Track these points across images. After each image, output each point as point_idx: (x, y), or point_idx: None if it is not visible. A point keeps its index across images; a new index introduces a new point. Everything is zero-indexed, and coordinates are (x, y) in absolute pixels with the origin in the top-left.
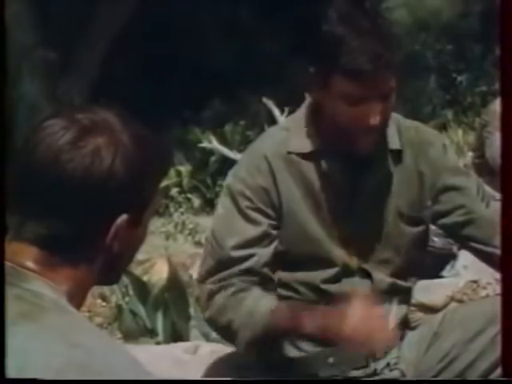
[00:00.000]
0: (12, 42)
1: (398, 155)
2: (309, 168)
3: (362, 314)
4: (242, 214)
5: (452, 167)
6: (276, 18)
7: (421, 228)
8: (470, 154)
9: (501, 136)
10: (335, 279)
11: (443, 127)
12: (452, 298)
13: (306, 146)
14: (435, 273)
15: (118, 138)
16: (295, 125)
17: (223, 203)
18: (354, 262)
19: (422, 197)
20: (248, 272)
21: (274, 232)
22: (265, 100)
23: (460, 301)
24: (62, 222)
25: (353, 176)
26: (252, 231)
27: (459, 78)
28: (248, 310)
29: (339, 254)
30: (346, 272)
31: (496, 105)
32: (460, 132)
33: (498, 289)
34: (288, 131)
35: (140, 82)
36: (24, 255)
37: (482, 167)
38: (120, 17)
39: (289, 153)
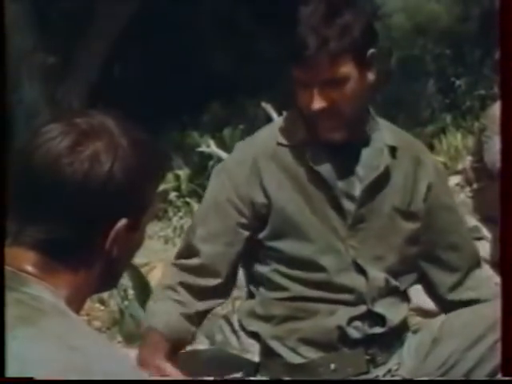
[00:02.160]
0: (11, 46)
1: (392, 152)
2: (296, 160)
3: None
4: (217, 207)
5: (445, 203)
6: (275, 22)
7: (415, 225)
8: (469, 158)
9: (501, 140)
10: (332, 272)
11: (442, 131)
12: None
13: (293, 137)
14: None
15: (117, 142)
16: (285, 119)
17: (207, 192)
18: (350, 255)
19: (416, 195)
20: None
21: (242, 231)
22: (263, 104)
23: None
24: (62, 226)
25: (342, 167)
26: (221, 224)
27: (458, 82)
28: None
29: (335, 247)
30: (342, 266)
31: (495, 109)
32: (459, 136)
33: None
34: (278, 125)
35: (139, 86)
36: (23, 259)
37: (480, 171)
38: (119, 21)
39: (278, 144)
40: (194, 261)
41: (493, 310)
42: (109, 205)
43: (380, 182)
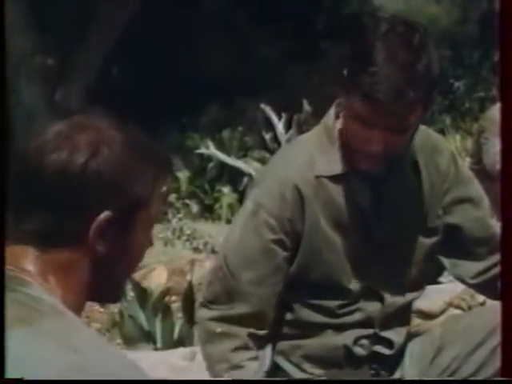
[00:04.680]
0: (10, 47)
1: (415, 166)
2: (337, 191)
3: None
4: (263, 246)
5: (463, 178)
6: (274, 25)
7: (435, 239)
8: (468, 159)
9: (500, 141)
10: (349, 304)
11: (441, 132)
12: (450, 304)
13: (333, 168)
14: (433, 279)
15: (104, 137)
16: (318, 143)
17: (243, 232)
18: (367, 284)
19: (434, 206)
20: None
21: (285, 266)
22: (263, 106)
23: (458, 307)
24: (47, 218)
25: (377, 195)
26: (269, 265)
27: (457, 84)
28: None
29: (354, 282)
30: (360, 294)
31: (494, 110)
32: (458, 138)
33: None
34: (310, 151)
35: (138, 87)
36: (21, 257)
37: (479, 173)
38: (118, 23)
39: (317, 177)
40: (241, 308)
41: (492, 314)
42: (86, 196)
43: (404, 206)
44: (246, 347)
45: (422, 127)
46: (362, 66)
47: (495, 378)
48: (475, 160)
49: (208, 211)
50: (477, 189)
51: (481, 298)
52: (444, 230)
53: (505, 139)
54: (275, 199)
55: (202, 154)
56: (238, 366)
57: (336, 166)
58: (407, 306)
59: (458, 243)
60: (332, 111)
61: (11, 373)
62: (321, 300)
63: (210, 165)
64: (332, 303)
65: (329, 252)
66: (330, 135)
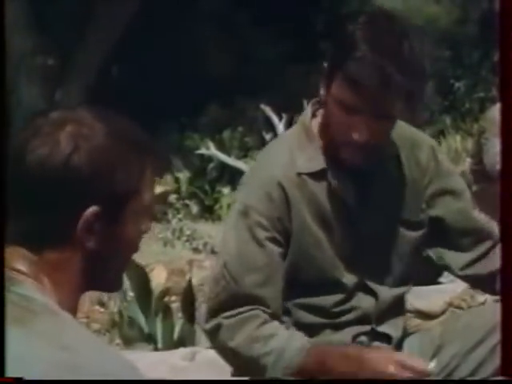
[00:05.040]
0: (10, 47)
1: (397, 161)
2: (319, 187)
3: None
4: (260, 246)
5: (444, 171)
6: (274, 25)
7: (421, 232)
8: (468, 160)
9: (500, 142)
10: (344, 301)
11: (441, 133)
12: (450, 304)
13: (313, 164)
14: (433, 279)
15: (86, 131)
16: (297, 141)
17: (237, 236)
18: (359, 277)
19: (417, 200)
20: (263, 305)
21: (283, 261)
22: (263, 106)
23: (458, 307)
24: (34, 216)
25: (359, 191)
26: (268, 264)
27: (457, 84)
28: (280, 346)
29: (346, 275)
30: (353, 291)
31: (494, 111)
32: (458, 138)
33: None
34: (291, 149)
35: (138, 87)
36: (14, 257)
37: (480, 174)
38: (118, 23)
39: (299, 174)
40: (251, 311)
41: (492, 313)
42: (70, 192)
43: (387, 200)
44: (269, 321)
45: (401, 122)
46: (347, 53)
47: (495, 378)
48: (475, 160)
49: (208, 212)
50: (458, 181)
51: (481, 298)
52: (428, 223)
53: (505, 139)
54: (263, 199)
55: (202, 155)
56: (271, 335)
57: (316, 163)
58: (400, 299)
59: (442, 235)
60: (309, 110)
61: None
62: (315, 298)
63: (210, 165)
64: (327, 301)
65: (316, 248)
66: (307, 133)
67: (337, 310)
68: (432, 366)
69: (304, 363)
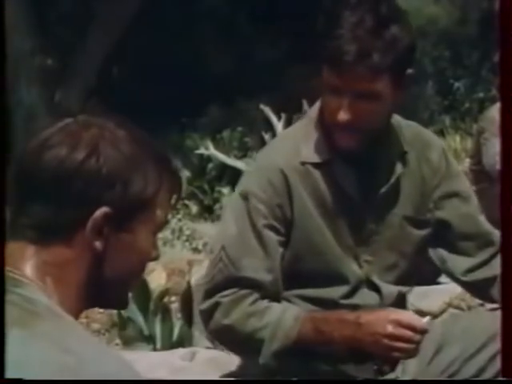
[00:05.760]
0: (10, 48)
1: (403, 157)
2: (323, 177)
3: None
4: (257, 233)
5: (454, 173)
6: (274, 26)
7: (426, 231)
8: (468, 160)
9: (500, 142)
10: (347, 294)
11: (441, 133)
12: (449, 304)
13: (318, 154)
14: (432, 279)
15: (105, 135)
16: (303, 133)
17: (237, 220)
18: (363, 272)
19: (425, 199)
20: (261, 289)
21: (281, 249)
22: (262, 106)
23: (457, 307)
24: (43, 213)
25: (363, 182)
26: (266, 251)
27: (457, 84)
28: (275, 318)
29: (350, 267)
30: (357, 285)
31: (493, 111)
32: (457, 138)
33: None
34: (296, 140)
35: (138, 88)
36: (18, 256)
37: (479, 174)
38: (118, 23)
39: (302, 163)
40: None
41: (491, 319)
42: (84, 191)
43: (391, 195)
44: (262, 298)
45: (414, 124)
46: (329, 31)
47: (496, 378)
48: (475, 160)
49: (207, 212)
50: (465, 185)
51: None
52: (434, 225)
53: (504, 139)
54: (263, 186)
55: (201, 155)
56: (266, 308)
57: (321, 153)
58: (402, 298)
59: (447, 238)
60: (317, 105)
61: (6, 374)
62: (317, 289)
63: (210, 165)
64: (329, 293)
65: (319, 236)
66: (314, 125)
67: (343, 302)
68: (426, 320)
69: (301, 332)
